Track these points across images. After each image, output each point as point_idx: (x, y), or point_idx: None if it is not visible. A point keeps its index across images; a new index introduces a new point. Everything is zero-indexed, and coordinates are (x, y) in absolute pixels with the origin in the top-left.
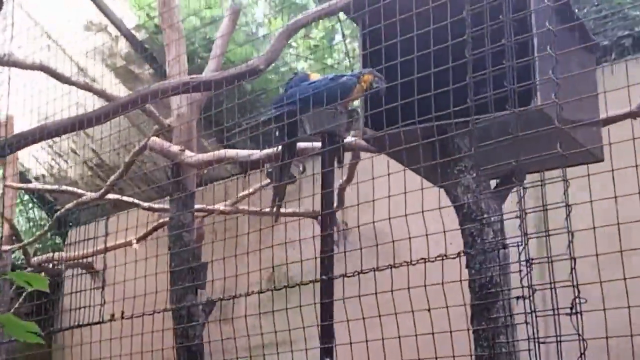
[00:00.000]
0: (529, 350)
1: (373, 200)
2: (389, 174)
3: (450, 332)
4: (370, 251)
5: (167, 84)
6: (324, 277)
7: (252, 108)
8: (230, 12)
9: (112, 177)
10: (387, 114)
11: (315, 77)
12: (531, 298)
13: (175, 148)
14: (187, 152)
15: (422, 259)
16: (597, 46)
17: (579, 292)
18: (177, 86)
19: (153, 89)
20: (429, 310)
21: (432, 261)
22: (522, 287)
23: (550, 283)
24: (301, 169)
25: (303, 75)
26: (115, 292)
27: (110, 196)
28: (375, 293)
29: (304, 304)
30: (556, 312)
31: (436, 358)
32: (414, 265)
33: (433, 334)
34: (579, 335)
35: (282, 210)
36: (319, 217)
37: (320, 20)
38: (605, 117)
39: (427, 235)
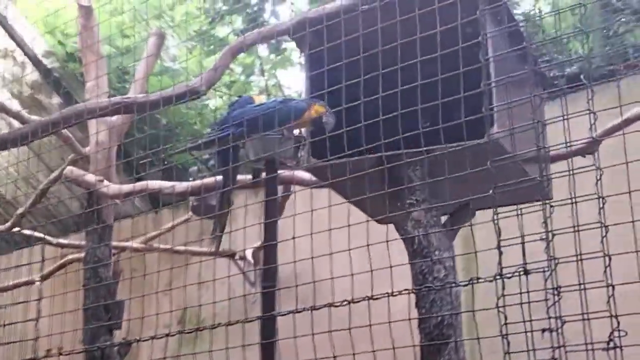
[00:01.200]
0: None
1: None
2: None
3: None
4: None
5: (96, 103)
6: (269, 314)
7: (167, 142)
8: (155, 36)
9: (21, 209)
10: (333, 143)
11: (260, 99)
12: (560, 330)
13: (93, 177)
14: (106, 182)
15: (366, 296)
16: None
17: (618, 323)
18: (107, 106)
19: (79, 109)
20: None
21: (377, 298)
22: (549, 317)
23: (583, 313)
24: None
25: (247, 97)
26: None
27: (16, 229)
28: (313, 334)
29: (217, 347)
30: (590, 346)
31: None
32: (356, 303)
33: None
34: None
35: (196, 249)
36: (244, 257)
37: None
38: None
39: (371, 270)
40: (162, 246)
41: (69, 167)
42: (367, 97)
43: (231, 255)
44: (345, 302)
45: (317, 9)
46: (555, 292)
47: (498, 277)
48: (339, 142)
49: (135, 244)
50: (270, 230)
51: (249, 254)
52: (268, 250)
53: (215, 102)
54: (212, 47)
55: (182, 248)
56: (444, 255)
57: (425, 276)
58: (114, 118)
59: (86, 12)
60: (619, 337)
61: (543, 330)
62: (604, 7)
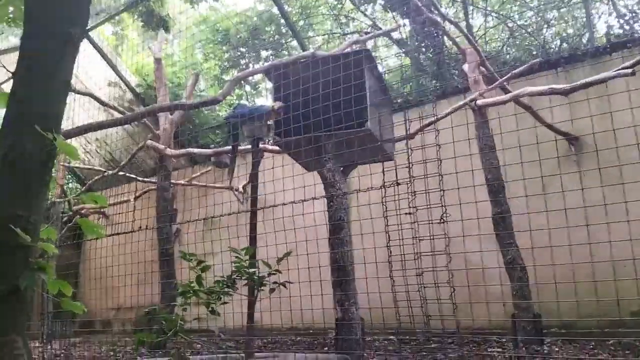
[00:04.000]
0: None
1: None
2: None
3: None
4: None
5: (165, 104)
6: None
7: (199, 132)
8: (193, 77)
9: (123, 162)
10: (287, 129)
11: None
12: (415, 212)
13: (161, 146)
14: (168, 149)
15: (300, 200)
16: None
17: (445, 209)
18: (169, 107)
19: (157, 106)
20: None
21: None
22: (409, 207)
23: (427, 205)
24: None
25: (241, 104)
26: None
27: (120, 173)
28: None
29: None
30: (432, 222)
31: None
32: (296, 203)
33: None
34: (445, 234)
35: (216, 185)
36: (239, 189)
37: None
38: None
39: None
40: (196, 183)
41: (148, 141)
42: (306, 108)
43: (232, 188)
44: (290, 202)
45: (279, 60)
46: (413, 196)
47: (384, 186)
48: (291, 130)
49: (182, 181)
50: (254, 174)
51: (241, 188)
52: (253, 183)
53: (221, 112)
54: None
55: (207, 184)
56: (341, 185)
57: (332, 197)
58: (173, 115)
59: (158, 61)
60: (446, 215)
61: (407, 214)
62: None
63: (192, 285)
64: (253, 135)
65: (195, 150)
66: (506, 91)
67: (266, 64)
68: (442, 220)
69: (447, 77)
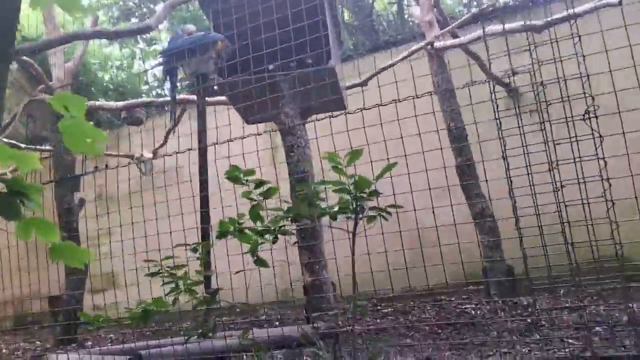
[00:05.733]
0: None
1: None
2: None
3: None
4: None
5: (82, 32)
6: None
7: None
8: (92, 19)
9: (5, 122)
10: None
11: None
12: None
13: None
14: None
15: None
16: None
17: (593, 98)
18: (92, 34)
19: (71, 34)
20: None
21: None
22: (538, 102)
23: (562, 97)
24: (144, 114)
25: (177, 35)
26: None
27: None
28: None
29: None
30: (569, 119)
31: None
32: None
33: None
34: (592, 131)
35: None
36: (141, 156)
37: None
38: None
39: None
40: None
41: (41, 94)
42: (254, 44)
43: (131, 157)
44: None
45: None
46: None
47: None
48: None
49: None
50: (202, 125)
51: (147, 154)
52: (201, 134)
53: (107, 76)
54: None
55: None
56: (302, 133)
57: (292, 146)
58: (69, 63)
59: None
60: (594, 109)
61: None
62: None
63: (236, 221)
64: (196, 71)
65: (102, 103)
66: (455, 38)
67: None
68: (585, 116)
69: (376, 30)
